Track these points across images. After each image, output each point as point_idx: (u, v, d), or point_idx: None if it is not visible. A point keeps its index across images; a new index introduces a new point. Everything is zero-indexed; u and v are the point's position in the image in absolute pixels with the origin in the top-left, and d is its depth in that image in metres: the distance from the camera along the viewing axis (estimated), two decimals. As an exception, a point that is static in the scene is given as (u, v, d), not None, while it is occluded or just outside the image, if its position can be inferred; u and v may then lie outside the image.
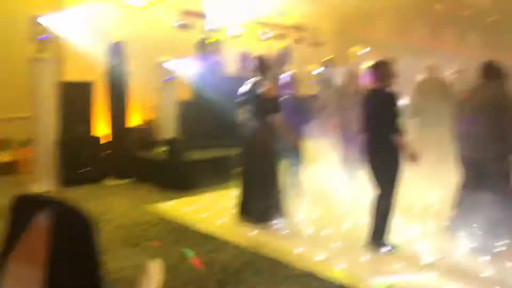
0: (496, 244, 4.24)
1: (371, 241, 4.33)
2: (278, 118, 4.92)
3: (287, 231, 4.81)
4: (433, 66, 7.31)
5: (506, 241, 4.30)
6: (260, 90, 4.89)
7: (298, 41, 10.34)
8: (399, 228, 4.75)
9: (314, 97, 6.61)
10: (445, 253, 4.21)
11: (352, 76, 6.22)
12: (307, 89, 7.61)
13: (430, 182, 5.76)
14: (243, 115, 5.11)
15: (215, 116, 7.63)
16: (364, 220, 4.65)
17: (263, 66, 5.05)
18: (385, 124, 4.18)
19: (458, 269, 3.90)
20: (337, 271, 3.87)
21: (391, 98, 4.21)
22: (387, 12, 14.27)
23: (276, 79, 5.91)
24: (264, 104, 4.87)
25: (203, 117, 7.82)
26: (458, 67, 7.49)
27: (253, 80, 5.06)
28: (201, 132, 7.60)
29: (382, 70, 4.31)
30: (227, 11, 9.32)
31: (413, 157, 4.13)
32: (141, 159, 7.27)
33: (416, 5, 14.30)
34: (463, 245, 4.32)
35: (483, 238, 4.29)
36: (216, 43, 8.80)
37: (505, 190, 4.33)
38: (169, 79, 7.89)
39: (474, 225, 4.44)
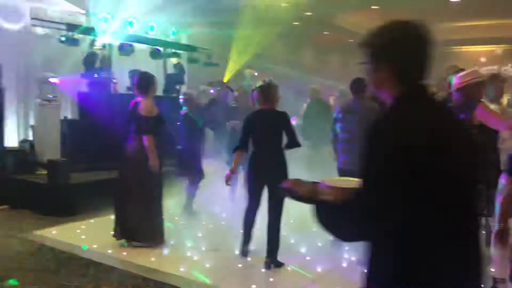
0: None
1: (274, 258, 4.38)
2: (148, 139, 4.69)
3: (175, 254, 4.68)
4: (317, 89, 7.75)
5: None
6: (139, 109, 4.71)
7: (191, 60, 10.33)
8: (288, 241, 4.88)
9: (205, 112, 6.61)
10: (332, 265, 4.36)
11: (244, 95, 6.45)
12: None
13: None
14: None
15: (103, 136, 7.27)
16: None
17: (144, 83, 4.82)
18: (279, 139, 4.48)
19: (344, 281, 4.04)
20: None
21: (285, 116, 4.50)
22: (279, 38, 14.89)
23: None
24: (141, 123, 4.69)
25: (90, 137, 7.38)
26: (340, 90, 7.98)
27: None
28: (87, 153, 7.16)
29: (268, 91, 4.52)
30: (118, 27, 9.02)
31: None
32: (17, 183, 6.61)
33: (305, 33, 15.15)
34: (349, 257, 4.52)
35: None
36: (106, 60, 8.46)
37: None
38: (53, 97, 7.34)
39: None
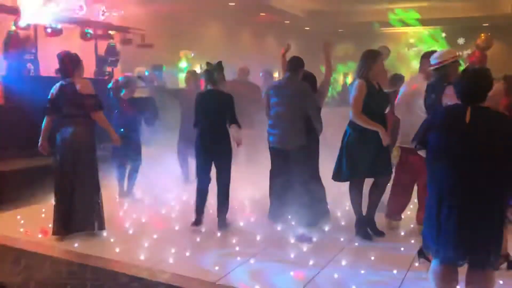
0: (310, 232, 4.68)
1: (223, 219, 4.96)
2: (101, 115, 4.66)
3: (112, 239, 4.60)
4: (245, 69, 7.76)
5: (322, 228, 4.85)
6: (76, 89, 4.53)
7: (124, 42, 9.99)
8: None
9: (149, 98, 6.47)
10: (267, 244, 4.48)
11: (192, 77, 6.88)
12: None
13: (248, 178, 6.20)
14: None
15: (30, 121, 6.91)
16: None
17: (71, 64, 4.62)
18: (223, 118, 4.91)
19: (281, 259, 4.17)
20: (162, 272, 3.83)
21: (230, 97, 4.94)
22: (215, 19, 14.75)
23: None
24: (81, 103, 4.54)
25: (16, 122, 7.00)
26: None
27: (62, 81, 4.65)
28: (14, 139, 6.79)
29: (212, 74, 4.91)
30: (45, 7, 8.51)
31: (239, 143, 4.97)
32: None
33: (241, 15, 15.09)
34: (284, 235, 4.66)
35: (297, 227, 4.75)
36: (29, 41, 7.97)
37: (309, 178, 4.87)
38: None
39: (289, 216, 4.91)
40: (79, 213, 4.59)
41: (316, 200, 4.91)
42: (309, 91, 4.88)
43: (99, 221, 4.70)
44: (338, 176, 4.59)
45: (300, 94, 4.83)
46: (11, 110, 7.18)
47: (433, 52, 4.61)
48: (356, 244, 4.47)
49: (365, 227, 4.63)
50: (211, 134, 4.87)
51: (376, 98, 4.35)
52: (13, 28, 7.89)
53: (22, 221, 5.15)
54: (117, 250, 4.28)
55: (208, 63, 5.01)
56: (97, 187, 4.72)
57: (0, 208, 5.56)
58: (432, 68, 4.25)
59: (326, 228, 4.88)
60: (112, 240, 4.58)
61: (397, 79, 5.92)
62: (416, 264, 3.78)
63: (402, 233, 4.76)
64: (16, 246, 4.44)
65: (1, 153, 6.36)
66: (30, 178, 6.03)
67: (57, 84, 4.65)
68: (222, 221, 4.94)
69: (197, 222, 4.89)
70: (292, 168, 4.88)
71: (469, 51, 4.62)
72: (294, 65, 4.96)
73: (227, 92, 4.97)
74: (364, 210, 4.68)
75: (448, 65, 4.16)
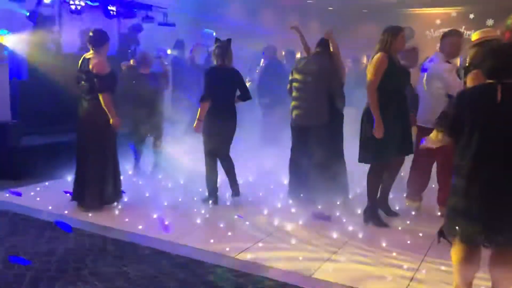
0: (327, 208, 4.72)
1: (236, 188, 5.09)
2: (105, 97, 4.60)
3: (133, 212, 4.68)
4: (272, 50, 7.76)
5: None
6: (90, 67, 4.56)
7: (147, 20, 9.98)
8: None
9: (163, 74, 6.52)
10: (285, 221, 4.49)
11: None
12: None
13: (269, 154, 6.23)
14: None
15: (55, 97, 7.04)
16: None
17: (98, 38, 4.65)
18: (233, 94, 4.99)
19: (298, 236, 4.18)
20: (184, 247, 3.88)
21: (238, 74, 4.98)
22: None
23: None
24: (94, 82, 4.57)
25: (41, 99, 7.12)
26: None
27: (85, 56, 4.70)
28: (39, 115, 6.91)
29: (224, 49, 4.88)
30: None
31: None
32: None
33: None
34: (303, 213, 4.67)
35: (316, 205, 4.76)
36: (51, 18, 8.04)
37: (331, 155, 4.88)
38: (1, 55, 6.96)
39: (308, 194, 4.90)
40: (96, 187, 4.68)
41: (337, 178, 4.89)
42: (334, 68, 4.89)
43: (117, 194, 4.81)
44: (364, 158, 4.43)
45: (325, 71, 4.84)
46: (35, 87, 7.30)
47: (455, 31, 4.51)
48: (369, 224, 4.44)
49: (378, 214, 4.50)
50: (219, 110, 4.87)
51: (396, 74, 4.21)
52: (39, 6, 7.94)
53: (46, 195, 5.27)
54: (138, 224, 4.35)
55: (217, 39, 5.00)
56: (112, 162, 4.78)
57: (25, 181, 5.69)
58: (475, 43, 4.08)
59: (345, 206, 4.87)
60: (134, 213, 4.65)
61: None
62: (437, 244, 3.73)
63: (423, 215, 4.72)
64: (40, 218, 4.55)
65: (26, 128, 6.46)
66: (54, 153, 6.15)
67: (81, 58, 4.70)
68: (236, 188, 5.08)
69: (212, 199, 5.01)
70: (314, 145, 4.89)
71: (498, 32, 4.48)
72: (324, 45, 4.99)
73: (235, 69, 4.99)
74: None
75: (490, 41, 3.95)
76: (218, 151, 5.00)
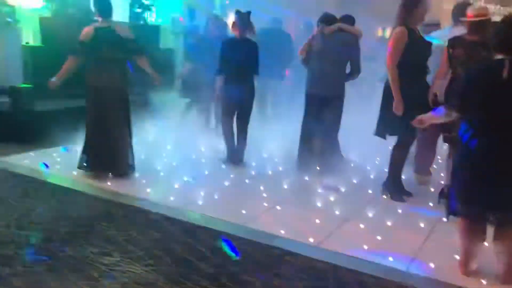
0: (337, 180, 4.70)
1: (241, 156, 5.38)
2: (144, 59, 4.73)
3: (144, 180, 4.71)
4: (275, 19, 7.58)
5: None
6: (115, 32, 4.54)
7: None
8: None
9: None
10: (294, 191, 4.50)
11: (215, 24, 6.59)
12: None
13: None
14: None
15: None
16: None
17: (108, 6, 4.61)
18: (251, 66, 5.14)
19: (307, 206, 4.20)
20: (192, 213, 3.91)
21: (256, 46, 5.14)
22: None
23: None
24: (123, 47, 4.57)
25: (54, 64, 7.10)
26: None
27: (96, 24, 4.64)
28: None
29: (244, 20, 4.99)
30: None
31: None
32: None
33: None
34: (312, 183, 4.68)
35: (326, 175, 4.78)
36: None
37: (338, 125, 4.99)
38: (12, 20, 6.95)
39: (317, 167, 4.92)
40: (114, 155, 4.70)
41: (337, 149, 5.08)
42: (355, 40, 4.96)
43: (132, 162, 4.83)
44: (382, 131, 4.32)
45: (346, 43, 4.89)
46: (48, 52, 7.30)
47: (466, 4, 4.39)
48: (384, 197, 4.44)
49: (399, 189, 4.45)
50: (238, 82, 5.06)
51: (417, 47, 4.07)
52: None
53: (58, 159, 5.34)
54: (149, 190, 4.39)
55: (237, 11, 5.03)
56: (129, 130, 4.80)
57: (37, 146, 5.75)
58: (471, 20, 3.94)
59: (355, 180, 4.87)
60: (144, 181, 4.69)
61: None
62: (444, 220, 3.72)
63: (432, 189, 4.69)
64: (51, 182, 4.61)
65: (39, 93, 6.49)
66: (66, 118, 6.17)
67: (91, 27, 4.61)
68: (241, 156, 5.31)
69: (233, 159, 5.29)
70: (328, 115, 4.93)
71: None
72: (346, 19, 5.19)
73: (253, 40, 5.16)
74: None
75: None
76: (237, 114, 5.28)
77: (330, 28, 4.93)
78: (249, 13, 5.02)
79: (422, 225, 3.82)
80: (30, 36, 7.99)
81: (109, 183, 4.58)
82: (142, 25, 8.84)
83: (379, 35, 16.71)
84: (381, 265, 3.15)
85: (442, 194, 4.14)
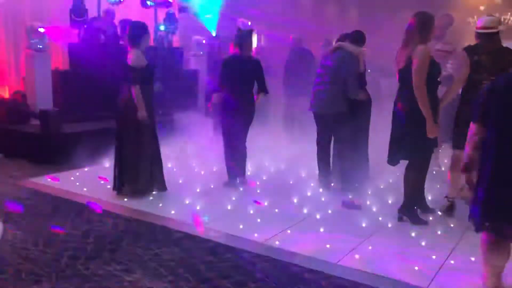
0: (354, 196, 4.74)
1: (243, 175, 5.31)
2: (135, 90, 4.65)
3: (167, 199, 4.84)
4: (299, 38, 7.71)
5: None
6: (127, 59, 4.68)
7: (182, 9, 10.12)
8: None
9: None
10: (314, 209, 4.53)
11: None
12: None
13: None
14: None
15: (94, 86, 7.30)
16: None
17: (135, 33, 4.73)
18: (252, 84, 5.13)
19: (327, 225, 4.22)
20: (214, 231, 3.99)
21: (257, 64, 5.11)
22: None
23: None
24: (127, 73, 4.68)
25: (81, 88, 7.42)
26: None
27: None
28: (79, 103, 7.21)
29: (245, 38, 5.04)
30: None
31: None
32: (11, 133, 6.69)
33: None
34: (334, 199, 4.73)
35: (343, 191, 4.83)
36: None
37: (352, 143, 4.95)
38: (42, 47, 7.27)
39: (332, 183, 4.98)
40: (132, 177, 4.84)
41: (357, 166, 4.92)
42: (348, 57, 4.87)
43: (158, 183, 4.98)
44: (396, 157, 4.21)
45: (339, 61, 4.89)
46: (76, 76, 7.59)
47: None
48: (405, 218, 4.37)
49: (416, 212, 4.29)
50: (239, 98, 5.01)
51: (434, 64, 4.00)
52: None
53: (86, 179, 5.50)
54: (174, 210, 4.49)
55: (239, 29, 5.12)
56: (148, 151, 4.87)
57: (65, 167, 5.95)
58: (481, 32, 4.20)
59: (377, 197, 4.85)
60: (166, 199, 4.81)
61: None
62: (469, 235, 3.67)
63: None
64: (79, 202, 4.76)
65: (66, 116, 6.74)
66: (92, 140, 6.37)
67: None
68: (243, 177, 5.23)
69: (232, 184, 5.16)
70: (334, 133, 5.05)
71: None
72: (354, 37, 5.07)
73: (256, 58, 5.17)
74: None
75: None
76: (234, 136, 5.15)
77: (331, 47, 5.06)
78: (251, 31, 5.10)
79: (445, 241, 3.79)
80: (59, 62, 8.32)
81: (135, 202, 4.70)
82: (165, 48, 9.08)
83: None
84: (401, 282, 3.14)
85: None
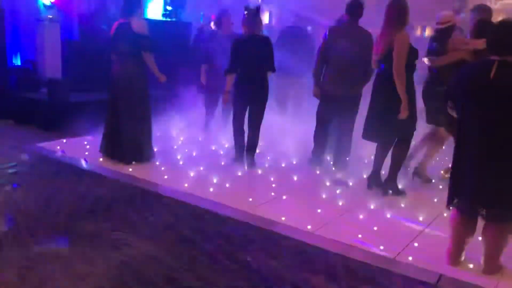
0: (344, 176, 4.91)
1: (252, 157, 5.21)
2: (149, 56, 4.89)
3: (163, 167, 5.06)
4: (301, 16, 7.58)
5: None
6: (132, 28, 4.80)
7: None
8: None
9: None
10: (303, 184, 4.73)
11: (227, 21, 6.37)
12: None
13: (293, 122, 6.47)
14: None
15: (103, 58, 7.46)
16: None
17: (132, 3, 4.86)
18: (264, 63, 4.96)
19: (313, 198, 4.43)
20: (203, 199, 4.21)
21: (267, 41, 4.94)
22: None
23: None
24: (135, 42, 4.82)
25: (90, 58, 7.60)
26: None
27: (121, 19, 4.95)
28: (87, 74, 7.41)
29: (255, 18, 4.88)
30: None
31: None
32: (21, 100, 6.96)
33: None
34: (322, 178, 4.89)
35: (336, 171, 4.96)
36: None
37: (352, 124, 5.04)
38: (52, 17, 7.47)
39: (331, 162, 5.11)
40: (127, 143, 5.04)
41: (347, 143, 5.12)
42: (371, 39, 4.78)
43: (147, 152, 5.17)
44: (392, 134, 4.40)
45: (363, 41, 4.77)
46: (85, 47, 7.78)
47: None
48: (390, 192, 4.56)
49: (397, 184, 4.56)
50: (251, 81, 4.95)
51: (412, 48, 4.17)
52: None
53: (88, 146, 5.76)
54: (166, 177, 4.73)
55: (246, 7, 4.95)
56: (145, 122, 5.08)
57: (70, 134, 6.19)
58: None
59: (365, 175, 5.01)
60: (163, 168, 5.04)
61: None
62: (445, 215, 3.84)
63: (441, 186, 4.80)
64: (80, 166, 5.04)
65: (74, 86, 6.95)
66: (98, 110, 6.57)
67: (116, 23, 4.99)
68: (251, 159, 5.18)
69: (239, 159, 5.20)
70: (344, 115, 5.01)
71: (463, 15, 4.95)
72: (355, 10, 4.85)
73: (266, 36, 5.06)
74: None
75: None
76: (249, 119, 5.12)
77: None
78: (258, 8, 4.94)
79: (421, 218, 3.97)
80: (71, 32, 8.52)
81: (131, 169, 4.94)
82: (173, 22, 9.18)
83: (418, 34, 16.43)
84: (370, 252, 3.34)
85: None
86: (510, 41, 2.76)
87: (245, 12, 4.96)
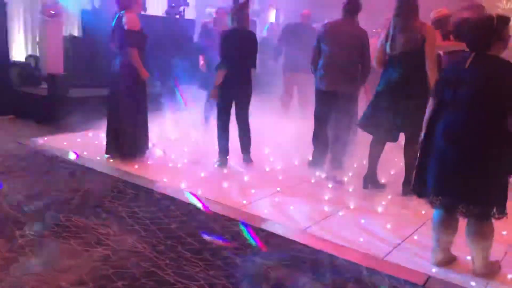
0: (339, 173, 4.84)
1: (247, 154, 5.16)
2: (133, 52, 4.80)
3: (156, 163, 5.06)
4: (306, 14, 7.55)
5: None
6: (123, 23, 4.78)
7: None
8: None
9: None
10: (298, 182, 4.69)
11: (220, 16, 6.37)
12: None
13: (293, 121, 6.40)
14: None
15: (105, 54, 7.48)
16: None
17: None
18: (249, 58, 4.92)
19: (307, 196, 4.38)
20: (193, 195, 4.19)
21: (252, 36, 4.89)
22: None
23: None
24: (125, 37, 4.79)
25: (91, 54, 7.63)
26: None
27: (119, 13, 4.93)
28: (88, 70, 7.44)
29: (242, 12, 4.81)
30: None
31: None
32: (22, 95, 7.00)
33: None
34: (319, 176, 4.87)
35: (330, 169, 4.91)
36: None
37: (349, 124, 4.89)
38: (57, 12, 7.50)
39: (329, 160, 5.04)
40: (123, 140, 5.04)
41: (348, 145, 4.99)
42: (366, 36, 4.78)
43: (145, 146, 5.17)
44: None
45: (358, 38, 4.71)
46: (87, 43, 7.82)
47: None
48: (389, 196, 4.44)
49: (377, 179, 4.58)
50: (236, 75, 4.86)
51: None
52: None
53: (84, 142, 5.77)
54: (159, 173, 4.72)
55: (234, 1, 4.87)
56: (135, 118, 5.02)
57: (68, 129, 6.22)
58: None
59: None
60: (155, 164, 5.04)
61: None
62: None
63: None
64: (74, 161, 5.05)
65: (75, 81, 6.99)
66: (98, 106, 6.58)
67: (116, 16, 4.98)
68: (247, 155, 5.13)
69: (222, 163, 5.04)
70: (341, 112, 4.87)
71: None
72: (353, 7, 4.79)
73: (251, 31, 4.99)
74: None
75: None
76: (236, 114, 5.07)
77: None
78: (246, 2, 4.83)
79: (412, 219, 3.90)
80: (73, 28, 8.57)
81: (125, 164, 4.94)
82: (177, 19, 9.20)
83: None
84: (359, 251, 3.28)
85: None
86: (482, 38, 2.76)
87: (233, 6, 4.87)
